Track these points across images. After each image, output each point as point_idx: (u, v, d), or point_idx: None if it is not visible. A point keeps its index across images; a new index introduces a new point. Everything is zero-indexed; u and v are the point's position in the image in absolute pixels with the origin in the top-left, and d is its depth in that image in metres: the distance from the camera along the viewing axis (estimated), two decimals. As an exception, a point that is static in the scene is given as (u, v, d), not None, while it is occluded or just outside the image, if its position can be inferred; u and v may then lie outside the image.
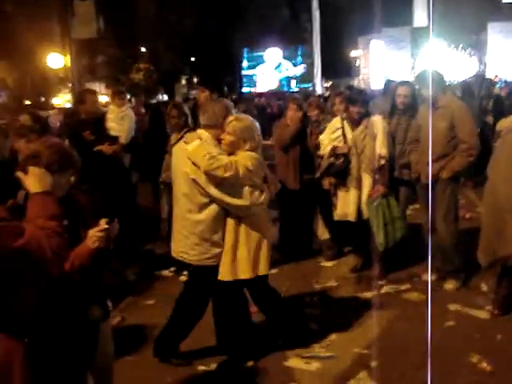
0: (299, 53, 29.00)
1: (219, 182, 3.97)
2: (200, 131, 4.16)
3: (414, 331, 4.70)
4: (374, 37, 30.09)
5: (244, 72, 28.80)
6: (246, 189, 4.06)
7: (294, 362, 4.45)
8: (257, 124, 4.20)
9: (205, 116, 4.17)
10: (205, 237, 4.09)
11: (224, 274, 4.15)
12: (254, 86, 30.19)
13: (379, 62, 29.37)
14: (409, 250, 6.23)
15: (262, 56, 28.84)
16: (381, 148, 5.80)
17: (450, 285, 5.71)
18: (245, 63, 29.11)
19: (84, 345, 2.90)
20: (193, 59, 33.47)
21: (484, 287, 5.66)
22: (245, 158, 4.01)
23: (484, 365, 4.23)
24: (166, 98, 31.13)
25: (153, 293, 6.06)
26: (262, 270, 4.20)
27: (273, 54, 28.66)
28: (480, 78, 13.22)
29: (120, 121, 7.82)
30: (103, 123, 6.79)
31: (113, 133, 6.65)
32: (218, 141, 4.13)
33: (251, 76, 27.52)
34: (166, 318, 4.49)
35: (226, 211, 4.11)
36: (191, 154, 3.99)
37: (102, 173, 6.04)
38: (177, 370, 4.40)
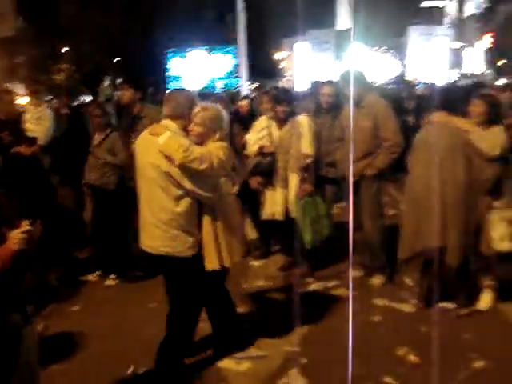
0: (225, 53, 28.99)
1: (193, 174, 3.82)
2: (166, 122, 3.97)
3: (342, 326, 4.74)
4: (299, 39, 30.46)
5: (169, 72, 28.48)
6: (221, 179, 4.07)
7: (226, 362, 4.41)
8: (224, 112, 4.08)
9: (168, 106, 4.00)
10: (184, 228, 3.94)
11: (211, 264, 4.05)
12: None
13: (304, 63, 29.74)
14: (335, 248, 6.31)
15: (187, 56, 28.62)
16: (307, 147, 5.85)
17: (376, 280, 5.82)
18: (170, 63, 28.81)
19: (4, 353, 2.76)
20: (116, 60, 32.89)
21: (409, 282, 5.79)
22: (217, 149, 3.88)
23: (410, 357, 4.33)
24: (89, 99, 30.44)
25: (77, 298, 5.88)
26: (236, 257, 4.19)
27: (198, 55, 28.53)
28: (400, 79, 13.63)
29: (37, 121, 7.58)
30: (20, 124, 6.55)
31: (30, 134, 6.41)
32: (185, 132, 3.98)
33: (176, 76, 27.27)
34: (94, 326, 4.35)
35: (199, 201, 4.00)
36: (164, 147, 3.78)
37: (21, 175, 5.80)
38: (106, 376, 4.27)
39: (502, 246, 4.85)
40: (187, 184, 3.85)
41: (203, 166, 3.79)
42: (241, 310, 5.31)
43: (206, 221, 4.04)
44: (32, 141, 5.93)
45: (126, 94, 6.41)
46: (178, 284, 4.09)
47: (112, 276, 6.33)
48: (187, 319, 4.15)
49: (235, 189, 4.23)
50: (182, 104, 3.97)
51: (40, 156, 6.16)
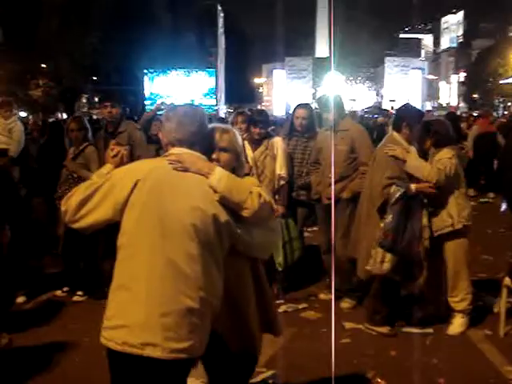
0: (204, 77, 29.16)
1: (259, 225, 2.79)
2: (182, 150, 2.69)
3: (311, 349, 4.74)
4: (277, 65, 30.80)
5: (147, 93, 28.57)
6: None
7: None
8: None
9: (184, 129, 2.72)
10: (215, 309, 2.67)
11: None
12: (158, 107, 29.83)
13: (282, 89, 30.04)
14: (306, 271, 6.32)
15: (165, 77, 28.74)
16: (281, 169, 5.88)
17: (346, 303, 5.82)
18: (148, 85, 28.89)
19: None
20: (95, 78, 32.88)
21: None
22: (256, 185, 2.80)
23: (378, 380, 4.32)
24: (65, 116, 30.31)
25: (44, 313, 5.78)
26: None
27: (177, 77, 28.66)
28: (376, 109, 13.95)
29: (8, 133, 7.53)
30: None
31: (1, 145, 6.37)
32: None
33: (155, 96, 27.35)
34: (59, 342, 4.26)
35: None
36: (226, 191, 2.59)
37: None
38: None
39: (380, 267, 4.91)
40: (252, 240, 2.75)
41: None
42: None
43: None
44: (2, 152, 5.89)
45: (105, 111, 6.36)
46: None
47: (80, 292, 6.24)
48: None
49: None
50: (204, 126, 2.81)
51: (10, 168, 6.11)
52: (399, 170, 4.99)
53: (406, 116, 5.22)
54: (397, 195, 4.81)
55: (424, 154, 5.18)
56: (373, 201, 5.05)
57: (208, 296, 2.53)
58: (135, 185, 2.55)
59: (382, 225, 4.87)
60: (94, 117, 20.60)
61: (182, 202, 2.54)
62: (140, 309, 2.43)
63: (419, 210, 4.94)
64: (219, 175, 2.62)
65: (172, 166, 2.61)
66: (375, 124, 16.40)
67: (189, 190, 2.59)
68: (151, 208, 2.53)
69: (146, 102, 28.37)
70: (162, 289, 2.45)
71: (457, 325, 5.17)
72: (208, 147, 2.77)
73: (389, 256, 4.81)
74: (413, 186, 4.91)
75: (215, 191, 2.59)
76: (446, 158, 5.03)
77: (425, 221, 5.00)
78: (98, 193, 2.61)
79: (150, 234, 2.50)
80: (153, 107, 9.28)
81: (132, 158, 5.95)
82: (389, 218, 4.82)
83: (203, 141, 2.74)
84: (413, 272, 4.97)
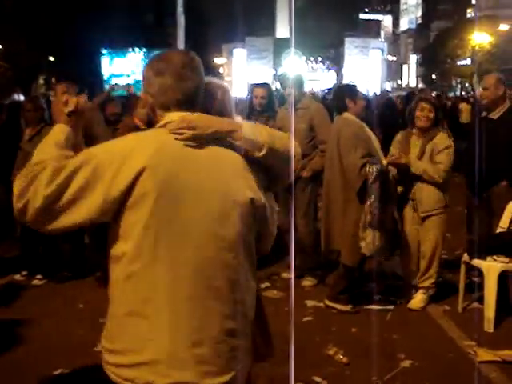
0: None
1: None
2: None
3: (273, 327, 4.74)
4: (238, 45, 30.60)
5: (105, 74, 28.10)
6: None
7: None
8: None
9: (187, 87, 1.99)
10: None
11: None
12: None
13: (242, 70, 29.89)
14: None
15: (124, 58, 28.32)
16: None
17: (307, 282, 5.87)
18: (106, 65, 28.40)
19: None
20: (52, 59, 32.15)
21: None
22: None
23: (340, 356, 4.37)
24: (22, 98, 29.62)
25: (2, 298, 5.66)
26: None
27: (135, 57, 28.25)
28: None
29: None
30: None
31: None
32: None
33: (113, 77, 26.95)
34: (19, 326, 4.18)
35: None
36: (270, 141, 2.00)
37: None
38: (30, 378, 4.12)
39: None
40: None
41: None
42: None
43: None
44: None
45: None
46: None
47: (39, 276, 6.14)
48: None
49: None
50: (204, 79, 2.07)
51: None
52: (367, 147, 5.02)
53: (345, 92, 5.29)
54: (375, 173, 4.84)
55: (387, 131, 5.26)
56: (351, 185, 5.02)
57: (247, 310, 2.01)
58: (139, 174, 1.81)
59: (366, 206, 4.89)
60: (52, 98, 20.17)
61: (216, 197, 1.90)
62: (164, 340, 1.83)
63: (392, 183, 5.06)
64: (251, 127, 1.99)
65: (181, 138, 1.89)
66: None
67: (216, 174, 1.92)
68: (169, 207, 1.84)
69: (106, 85, 27.97)
70: (189, 311, 1.86)
71: (418, 300, 5.26)
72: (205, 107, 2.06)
73: (378, 235, 4.87)
74: (384, 161, 4.97)
75: (259, 149, 1.94)
76: (447, 147, 5.12)
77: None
78: (74, 181, 1.81)
79: (169, 240, 1.84)
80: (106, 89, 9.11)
81: (91, 138, 5.87)
82: (371, 197, 4.84)
83: (203, 99, 2.05)
84: (393, 246, 5.11)
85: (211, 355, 1.87)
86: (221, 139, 1.94)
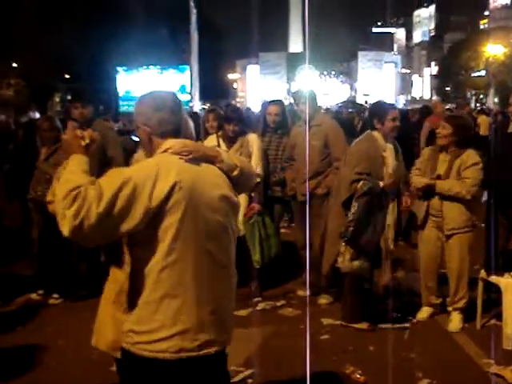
0: (177, 73, 29.00)
1: None
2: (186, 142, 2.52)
3: (289, 346, 4.73)
4: (251, 61, 30.76)
5: (120, 91, 28.34)
6: None
7: None
8: None
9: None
10: None
11: None
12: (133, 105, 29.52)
13: (256, 85, 30.01)
14: (283, 267, 6.31)
15: (138, 74, 28.55)
16: (256, 166, 5.86)
17: (323, 300, 5.84)
18: (121, 82, 28.64)
19: None
20: (67, 76, 32.53)
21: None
22: None
23: (358, 375, 4.33)
24: (38, 115, 29.93)
25: (19, 317, 5.69)
26: None
27: (150, 74, 28.46)
28: (350, 103, 13.91)
29: None
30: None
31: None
32: None
33: (128, 93, 27.15)
34: (35, 345, 4.20)
35: None
36: (240, 163, 2.65)
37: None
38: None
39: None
40: None
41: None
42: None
43: None
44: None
45: (78, 111, 6.25)
46: None
47: (55, 295, 6.16)
48: None
49: None
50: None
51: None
52: (370, 168, 4.99)
53: (375, 113, 5.27)
54: (364, 189, 4.82)
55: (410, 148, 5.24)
56: (339, 195, 5.07)
57: (235, 281, 2.58)
58: (173, 187, 2.29)
59: (345, 218, 4.91)
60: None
61: (216, 198, 2.44)
62: (192, 312, 2.33)
63: (385, 207, 5.00)
64: (226, 153, 2.60)
65: (186, 159, 2.40)
66: (347, 118, 16.33)
67: (214, 180, 2.48)
68: (195, 212, 2.34)
69: (121, 102, 28.18)
70: (207, 288, 2.39)
71: (457, 321, 5.19)
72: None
73: (352, 252, 4.88)
74: (381, 183, 4.93)
75: (234, 168, 2.54)
76: (476, 164, 5.04)
77: (390, 219, 5.03)
78: (120, 199, 2.21)
79: (195, 238, 2.35)
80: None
81: (105, 159, 5.91)
82: (353, 209, 4.84)
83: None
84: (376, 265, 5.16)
85: (222, 319, 2.44)
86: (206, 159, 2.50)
